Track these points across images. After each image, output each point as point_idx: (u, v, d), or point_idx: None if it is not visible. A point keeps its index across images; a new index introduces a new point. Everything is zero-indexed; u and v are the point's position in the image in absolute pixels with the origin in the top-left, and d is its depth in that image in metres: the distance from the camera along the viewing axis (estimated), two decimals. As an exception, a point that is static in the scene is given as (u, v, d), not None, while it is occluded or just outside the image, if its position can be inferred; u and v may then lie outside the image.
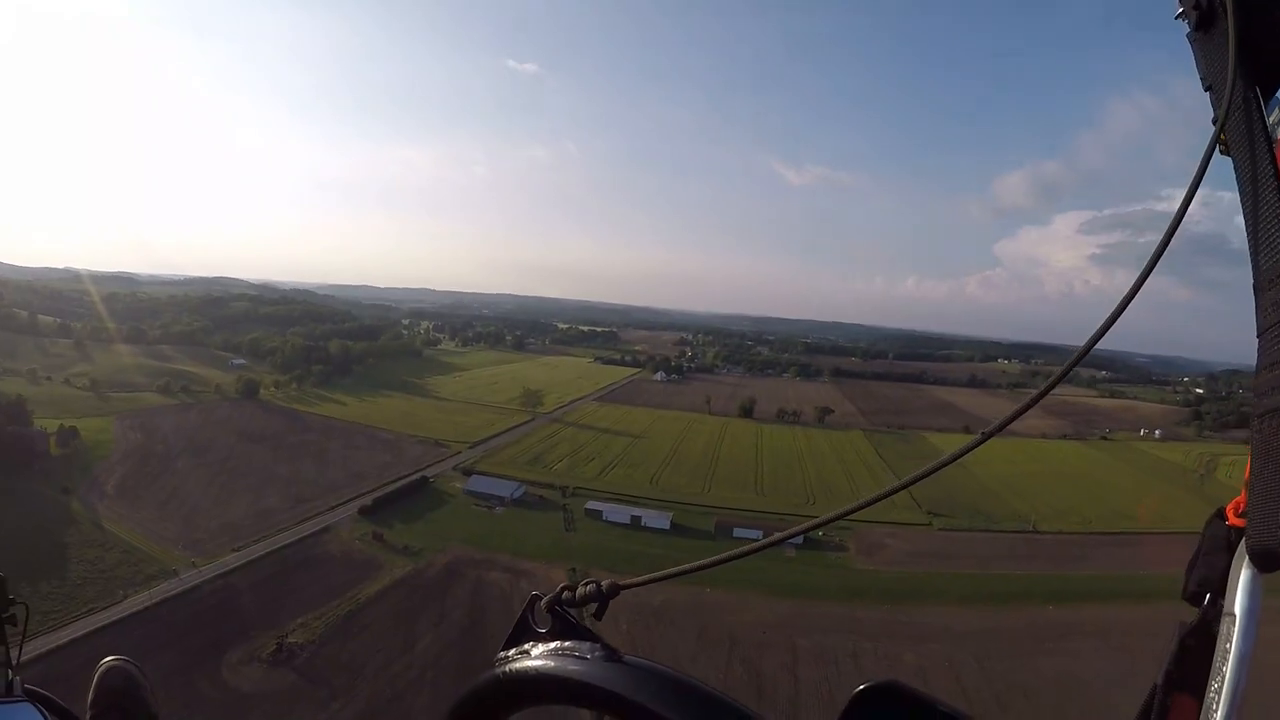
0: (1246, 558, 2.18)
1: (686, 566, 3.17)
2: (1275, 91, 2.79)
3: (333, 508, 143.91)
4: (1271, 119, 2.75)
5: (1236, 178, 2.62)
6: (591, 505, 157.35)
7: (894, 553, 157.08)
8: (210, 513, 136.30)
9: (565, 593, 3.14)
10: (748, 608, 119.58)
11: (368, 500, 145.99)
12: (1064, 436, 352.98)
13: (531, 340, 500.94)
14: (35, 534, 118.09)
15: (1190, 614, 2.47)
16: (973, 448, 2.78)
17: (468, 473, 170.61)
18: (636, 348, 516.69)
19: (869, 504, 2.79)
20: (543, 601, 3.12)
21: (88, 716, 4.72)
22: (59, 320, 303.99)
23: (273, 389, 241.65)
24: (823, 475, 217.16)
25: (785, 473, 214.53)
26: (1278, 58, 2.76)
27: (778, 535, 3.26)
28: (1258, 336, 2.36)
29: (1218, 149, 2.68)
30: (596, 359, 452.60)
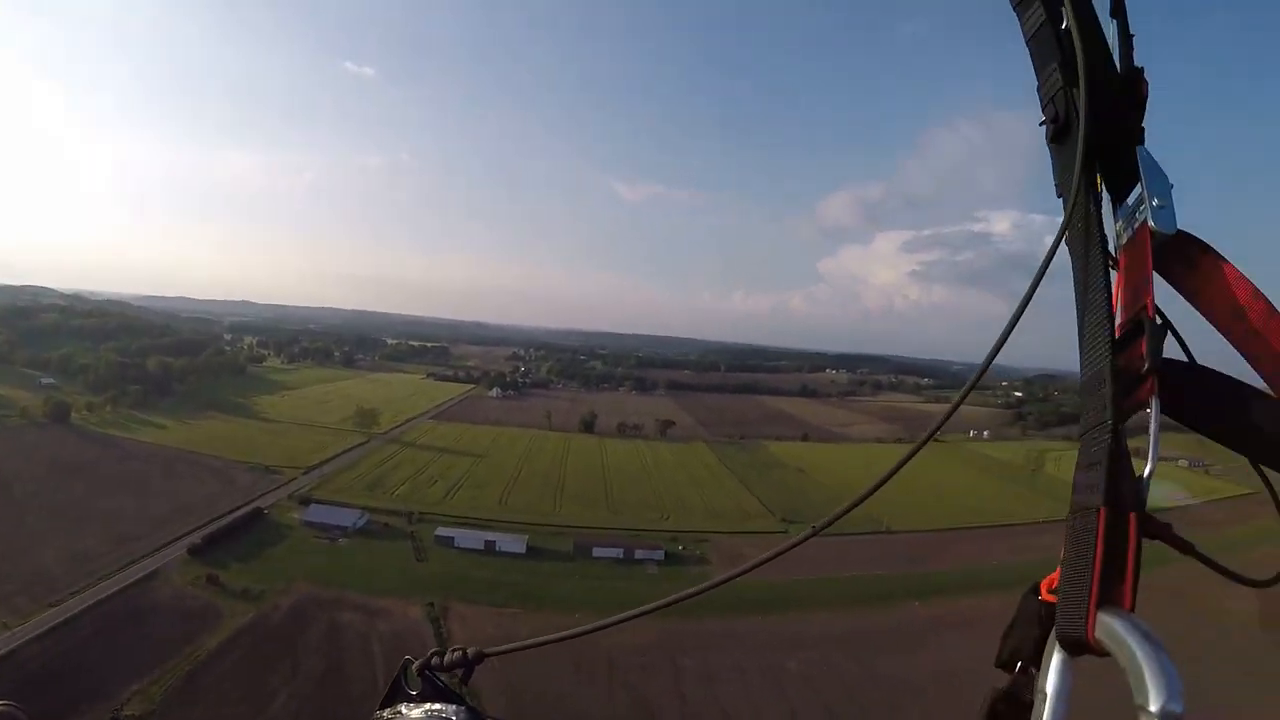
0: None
1: (555, 636, 3.57)
2: (1126, 199, 3.04)
3: (160, 548, 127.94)
4: (1117, 227, 3.05)
5: (1074, 282, 2.84)
6: (441, 532, 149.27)
7: (752, 559, 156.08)
8: (18, 560, 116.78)
9: (435, 657, 3.56)
10: (623, 630, 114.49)
11: (197, 538, 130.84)
12: (898, 440, 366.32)
13: (361, 356, 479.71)
14: None
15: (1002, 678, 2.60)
16: (909, 458, 3.06)
17: (305, 501, 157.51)
18: (469, 363, 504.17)
19: (821, 530, 3.15)
20: (414, 665, 3.53)
21: None
22: None
23: (85, 411, 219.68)
24: (672, 488, 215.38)
25: (634, 487, 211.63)
26: (1129, 170, 2.96)
27: (706, 585, 3.41)
28: (1079, 437, 2.59)
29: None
30: (429, 375, 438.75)
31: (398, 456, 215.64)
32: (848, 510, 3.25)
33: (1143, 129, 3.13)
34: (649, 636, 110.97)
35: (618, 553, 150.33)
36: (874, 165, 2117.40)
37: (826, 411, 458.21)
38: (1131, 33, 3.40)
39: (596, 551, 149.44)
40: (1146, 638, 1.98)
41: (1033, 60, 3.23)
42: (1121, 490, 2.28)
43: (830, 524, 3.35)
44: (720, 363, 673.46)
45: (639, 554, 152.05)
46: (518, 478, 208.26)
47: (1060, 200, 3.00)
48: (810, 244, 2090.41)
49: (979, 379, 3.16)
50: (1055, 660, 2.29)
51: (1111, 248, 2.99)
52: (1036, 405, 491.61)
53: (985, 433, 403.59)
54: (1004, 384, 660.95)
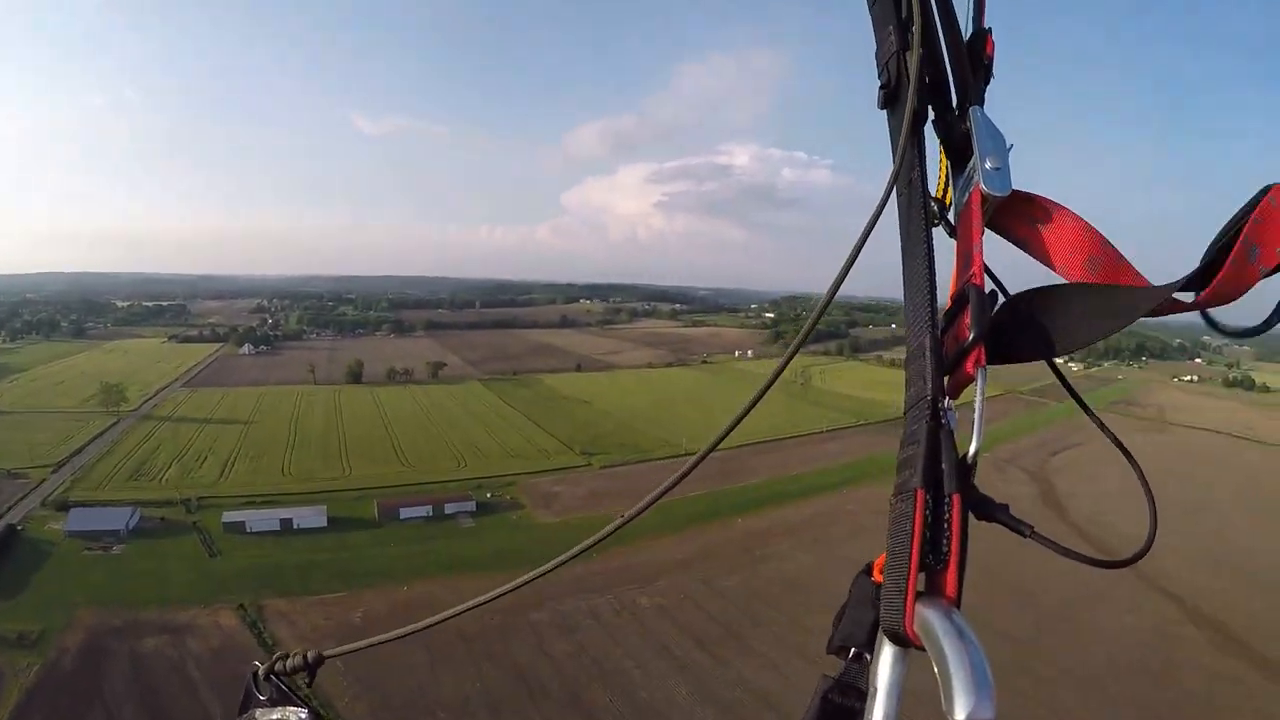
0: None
1: (396, 633, 3.56)
2: (964, 167, 3.02)
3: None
4: (953, 194, 3.05)
5: (901, 254, 2.82)
6: (229, 517, 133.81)
7: (570, 499, 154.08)
8: None
9: (279, 662, 3.64)
10: (459, 593, 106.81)
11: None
12: (669, 365, 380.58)
13: (92, 324, 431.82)
14: None
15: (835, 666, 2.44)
16: (742, 417, 2.97)
17: (63, 506, 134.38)
18: (211, 320, 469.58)
19: (675, 482, 2.95)
20: (260, 671, 3.60)
21: None
22: None
23: None
24: (460, 432, 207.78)
25: (422, 436, 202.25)
26: (963, 138, 2.97)
27: (574, 549, 3.22)
28: (904, 411, 2.59)
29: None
30: (171, 338, 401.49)
31: (156, 435, 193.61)
32: (667, 489, 3.08)
33: (983, 90, 3.08)
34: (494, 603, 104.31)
35: (426, 510, 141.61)
36: (627, 98, 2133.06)
37: (590, 341, 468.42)
38: None
39: (404, 513, 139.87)
40: (959, 634, 1.88)
41: (873, 24, 3.17)
42: (941, 469, 2.22)
43: (645, 509, 3.12)
44: (475, 299, 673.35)
45: (449, 508, 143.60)
46: (295, 441, 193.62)
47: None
48: (557, 176, 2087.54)
49: (818, 318, 2.98)
50: (886, 652, 2.19)
51: (952, 215, 3.01)
52: (791, 324, 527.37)
53: (749, 352, 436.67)
54: (753, 306, 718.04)
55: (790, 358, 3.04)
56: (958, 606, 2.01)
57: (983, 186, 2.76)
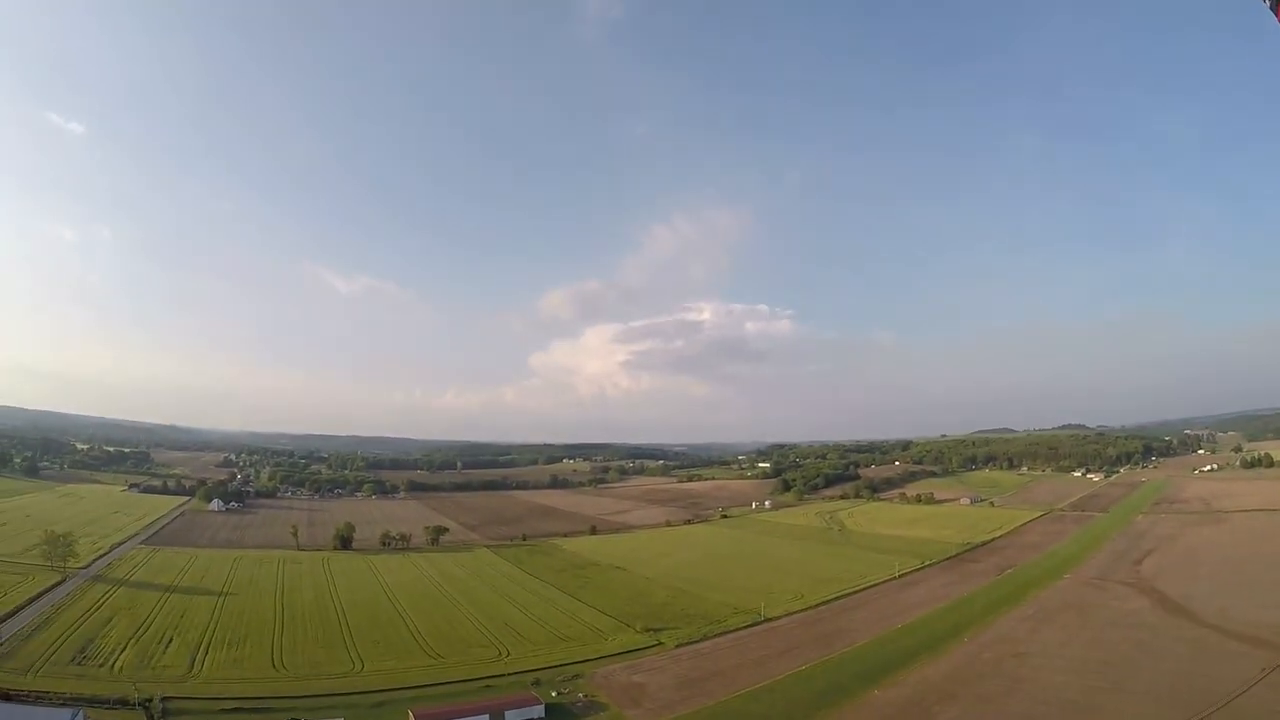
0: None
1: None
2: None
3: None
4: None
5: None
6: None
7: (660, 692, 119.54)
8: None
9: None
10: None
11: None
12: (688, 522, 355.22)
13: (48, 464, 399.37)
14: None
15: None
16: None
17: None
18: (176, 471, 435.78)
19: None
20: None
21: None
22: None
23: None
24: (487, 610, 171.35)
25: (441, 615, 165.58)
26: None
27: None
28: None
29: None
30: (132, 486, 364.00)
31: (110, 601, 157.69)
32: None
33: None
34: None
35: None
36: (594, 263, 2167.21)
37: (589, 501, 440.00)
38: None
39: None
40: None
41: None
42: None
43: None
44: (452, 460, 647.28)
45: (511, 716, 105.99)
46: (284, 619, 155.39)
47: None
48: (522, 339, 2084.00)
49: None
50: None
51: None
52: (796, 471, 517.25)
53: (767, 503, 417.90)
54: (741, 458, 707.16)
55: None
56: None
57: None
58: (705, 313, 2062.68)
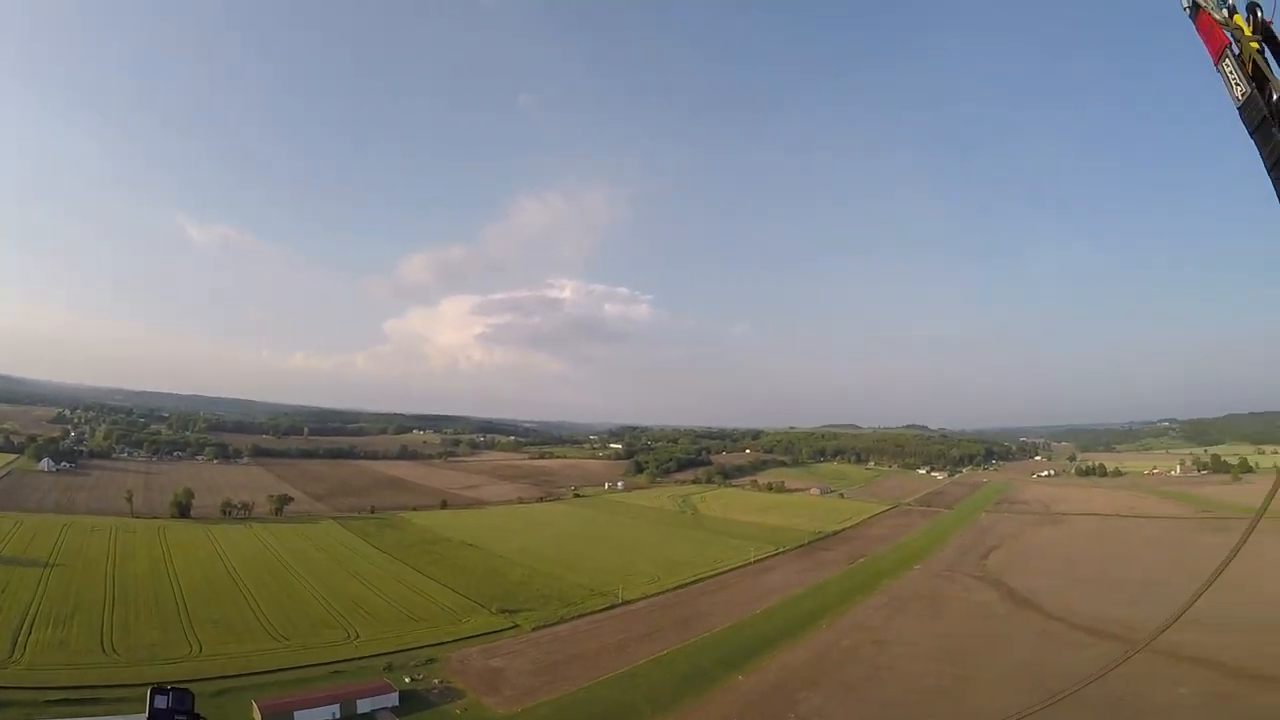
0: None
1: None
2: None
3: None
4: None
5: None
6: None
7: (519, 678, 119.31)
8: None
9: None
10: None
11: None
12: (540, 499, 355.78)
13: None
14: None
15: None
16: (1233, 555, 3.40)
17: None
18: (4, 425, 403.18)
19: None
20: None
21: None
22: None
23: None
24: (334, 588, 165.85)
25: (286, 593, 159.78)
26: None
27: None
28: None
29: None
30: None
31: None
32: (1169, 624, 3.44)
33: None
34: None
35: (333, 712, 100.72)
36: (461, 228, 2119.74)
37: (439, 474, 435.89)
38: None
39: (300, 718, 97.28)
40: None
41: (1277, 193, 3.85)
42: None
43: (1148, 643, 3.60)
44: (300, 425, 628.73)
45: (364, 705, 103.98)
46: (115, 596, 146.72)
47: None
48: (381, 303, 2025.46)
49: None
50: None
51: None
52: (649, 454, 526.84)
53: (620, 484, 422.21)
54: (593, 438, 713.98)
55: (1257, 519, 4.48)
56: None
57: None
58: (567, 290, 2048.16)
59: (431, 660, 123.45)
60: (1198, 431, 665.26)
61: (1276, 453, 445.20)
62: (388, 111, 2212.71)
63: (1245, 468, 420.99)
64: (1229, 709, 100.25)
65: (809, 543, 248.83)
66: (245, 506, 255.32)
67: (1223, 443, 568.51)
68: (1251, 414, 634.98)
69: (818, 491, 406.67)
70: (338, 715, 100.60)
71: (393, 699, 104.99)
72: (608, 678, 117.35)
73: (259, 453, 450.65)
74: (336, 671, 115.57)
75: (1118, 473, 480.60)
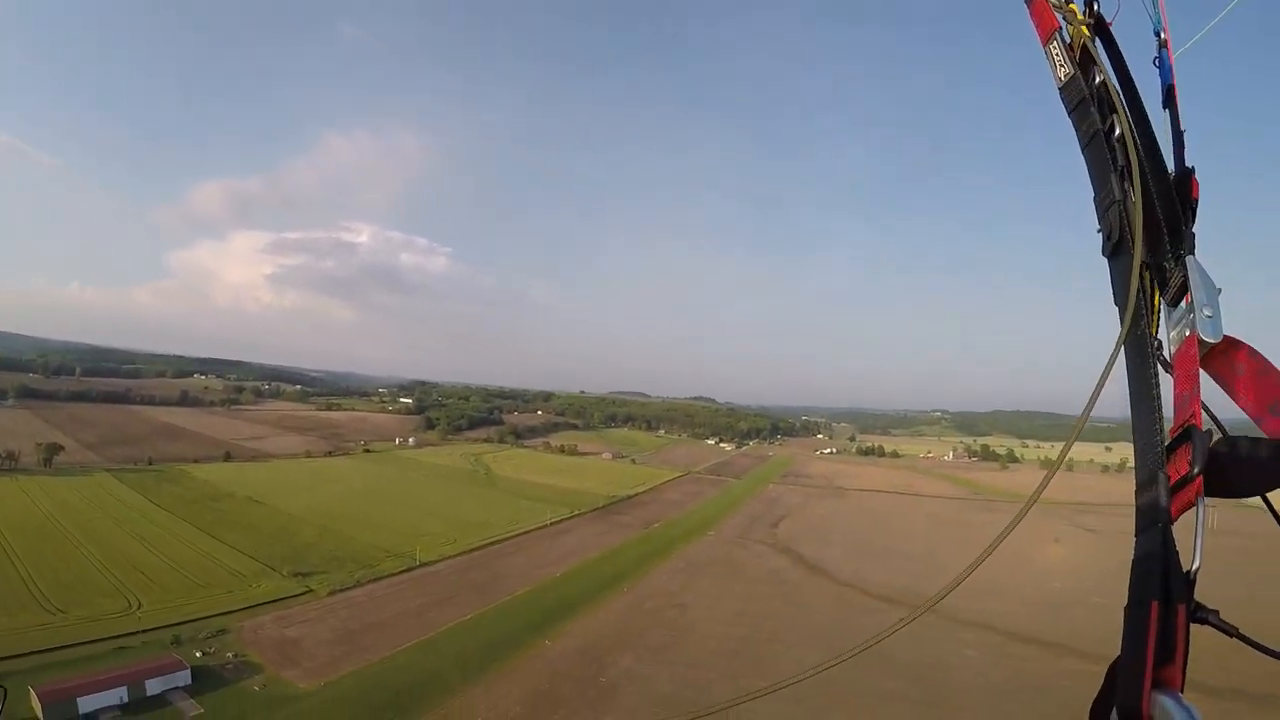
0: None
1: None
2: (1174, 310, 3.33)
3: None
4: (1172, 334, 3.34)
5: (1129, 388, 3.12)
6: None
7: (318, 648, 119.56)
8: None
9: None
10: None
11: None
12: (328, 454, 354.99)
13: None
14: None
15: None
16: (1012, 526, 3.33)
17: None
18: None
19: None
20: None
21: None
22: None
23: None
24: (112, 550, 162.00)
25: (57, 556, 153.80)
26: (1179, 284, 3.27)
27: None
28: (1136, 534, 2.87)
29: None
30: None
31: None
32: (950, 589, 3.40)
33: (1194, 235, 3.40)
34: None
35: (120, 695, 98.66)
36: (259, 158, 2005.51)
37: (222, 423, 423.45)
38: (1183, 128, 3.64)
39: (85, 704, 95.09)
40: (1190, 716, 2.38)
41: (1089, 172, 3.53)
42: (1171, 585, 2.63)
43: (932, 604, 3.49)
44: (72, 365, 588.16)
45: (153, 685, 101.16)
46: None
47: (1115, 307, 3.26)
48: (166, 232, 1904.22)
49: (1081, 429, 3.27)
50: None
51: (1166, 352, 3.33)
52: (441, 411, 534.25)
53: (411, 439, 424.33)
54: (382, 391, 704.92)
55: (1044, 485, 3.53)
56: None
57: (1200, 334, 3.08)
58: (364, 235, 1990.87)
59: (223, 631, 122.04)
60: (967, 423, 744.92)
61: (1039, 447, 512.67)
62: (187, 15, 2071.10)
63: (1012, 458, 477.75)
64: (1021, 669, 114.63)
65: (604, 506, 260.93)
66: (11, 456, 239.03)
67: (990, 435, 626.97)
68: (1015, 412, 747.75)
69: (609, 456, 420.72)
70: (125, 699, 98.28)
71: (185, 677, 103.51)
72: (412, 645, 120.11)
73: (25, 393, 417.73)
74: (120, 648, 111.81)
75: (895, 454, 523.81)
